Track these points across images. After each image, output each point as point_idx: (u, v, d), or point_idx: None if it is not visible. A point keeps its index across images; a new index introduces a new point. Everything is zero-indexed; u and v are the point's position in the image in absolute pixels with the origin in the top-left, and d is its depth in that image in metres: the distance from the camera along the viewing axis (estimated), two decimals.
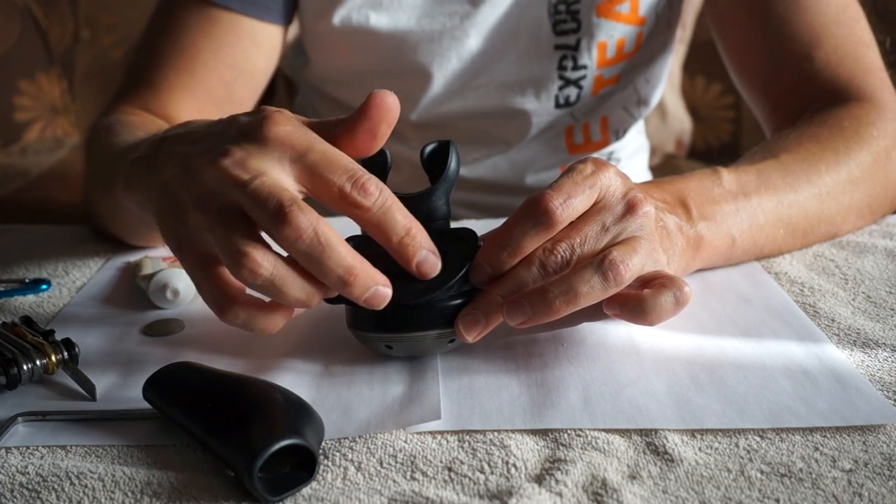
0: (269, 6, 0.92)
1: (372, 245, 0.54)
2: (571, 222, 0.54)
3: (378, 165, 0.57)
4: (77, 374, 0.55)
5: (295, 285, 0.49)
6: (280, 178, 0.50)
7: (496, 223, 0.56)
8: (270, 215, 0.48)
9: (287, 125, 0.51)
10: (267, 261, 0.48)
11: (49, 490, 0.45)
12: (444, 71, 0.95)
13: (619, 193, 0.55)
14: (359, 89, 1.02)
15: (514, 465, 0.46)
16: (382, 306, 0.50)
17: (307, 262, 0.49)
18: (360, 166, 0.51)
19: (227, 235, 0.49)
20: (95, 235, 0.84)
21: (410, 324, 0.53)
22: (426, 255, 0.51)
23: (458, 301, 0.54)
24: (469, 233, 0.55)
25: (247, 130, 0.52)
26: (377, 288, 0.49)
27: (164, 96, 0.87)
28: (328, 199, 0.51)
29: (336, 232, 0.49)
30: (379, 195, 0.50)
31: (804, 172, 0.70)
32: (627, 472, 0.45)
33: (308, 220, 0.48)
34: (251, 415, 0.46)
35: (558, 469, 0.45)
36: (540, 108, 0.98)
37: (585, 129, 1.02)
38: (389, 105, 0.52)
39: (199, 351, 0.59)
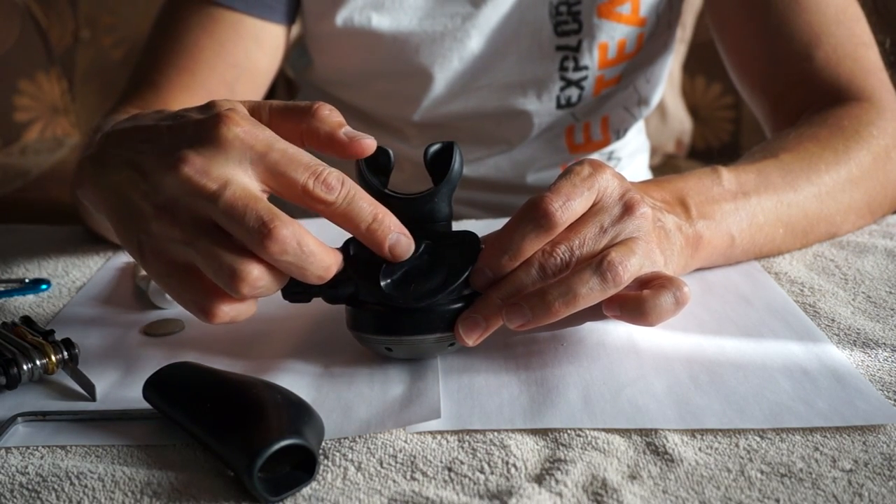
0: (271, 5, 0.92)
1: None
2: (570, 224, 0.54)
3: (381, 164, 0.57)
4: (77, 374, 0.55)
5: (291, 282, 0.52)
6: (246, 183, 0.49)
7: (497, 223, 0.56)
8: (251, 231, 0.48)
9: (243, 124, 0.50)
10: (263, 274, 0.49)
11: (49, 490, 0.45)
12: (445, 72, 0.95)
13: (616, 195, 0.55)
14: (361, 90, 1.02)
15: (514, 465, 0.46)
16: None
17: (289, 269, 0.50)
18: (319, 161, 0.51)
19: (214, 254, 0.49)
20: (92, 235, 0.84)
21: (411, 327, 0.53)
22: (397, 238, 0.52)
23: (459, 305, 0.53)
24: (470, 236, 0.55)
25: (202, 133, 0.50)
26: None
27: (165, 96, 0.87)
28: (291, 197, 0.51)
29: (310, 233, 0.50)
30: (342, 188, 0.50)
31: (804, 172, 0.70)
32: (627, 472, 0.45)
33: (291, 232, 0.48)
34: (251, 415, 0.46)
35: (558, 469, 0.45)
36: (541, 108, 0.98)
37: (586, 129, 1.02)
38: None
39: (199, 351, 0.59)
